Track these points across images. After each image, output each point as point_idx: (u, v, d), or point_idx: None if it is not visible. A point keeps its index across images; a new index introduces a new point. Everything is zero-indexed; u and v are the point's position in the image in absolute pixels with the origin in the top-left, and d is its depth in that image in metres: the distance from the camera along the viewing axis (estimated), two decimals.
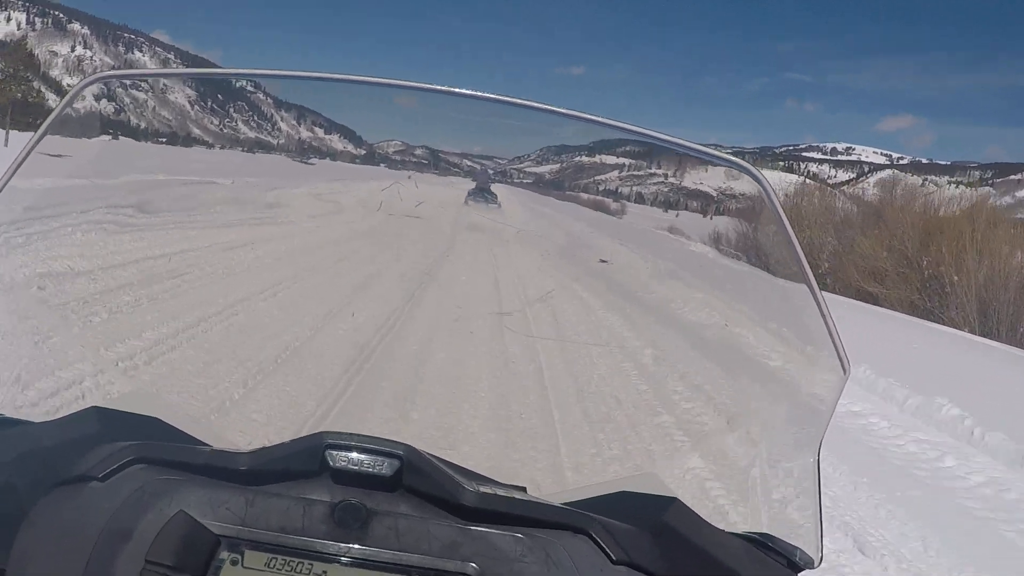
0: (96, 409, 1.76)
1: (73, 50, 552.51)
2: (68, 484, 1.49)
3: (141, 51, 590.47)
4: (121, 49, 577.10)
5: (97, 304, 4.70)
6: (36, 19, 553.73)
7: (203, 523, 1.43)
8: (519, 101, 1.94)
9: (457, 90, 1.92)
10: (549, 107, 1.92)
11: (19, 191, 1.88)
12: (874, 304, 37.16)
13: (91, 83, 1.95)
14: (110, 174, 3.54)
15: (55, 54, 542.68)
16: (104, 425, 1.72)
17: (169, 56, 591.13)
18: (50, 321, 2.72)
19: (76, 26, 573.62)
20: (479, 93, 1.92)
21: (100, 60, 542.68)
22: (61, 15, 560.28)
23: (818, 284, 1.84)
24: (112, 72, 2.00)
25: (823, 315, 1.82)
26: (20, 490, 1.51)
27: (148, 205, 5.27)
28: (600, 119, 1.91)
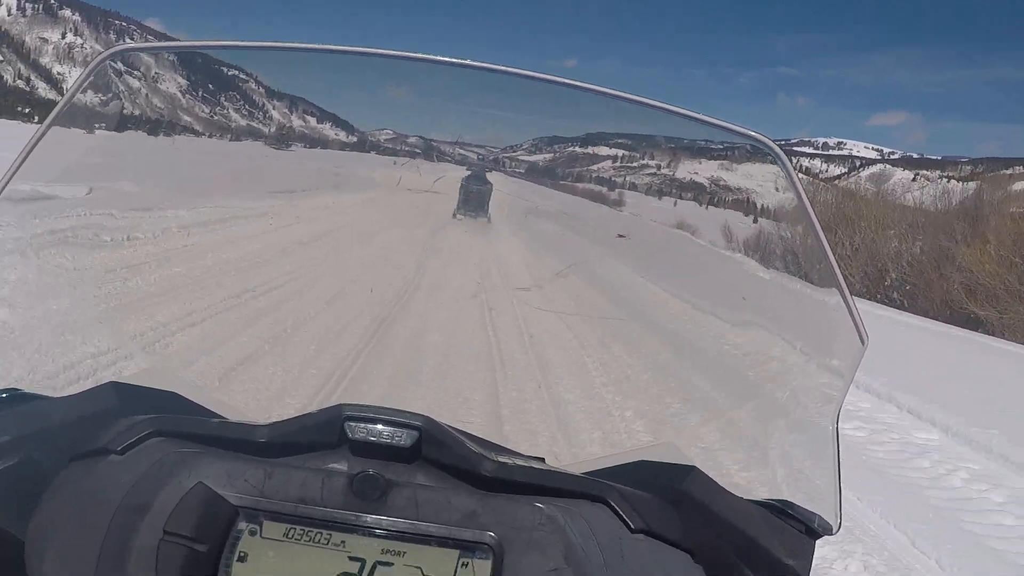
0: (114, 384, 1.77)
1: (64, 37, 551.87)
2: (87, 457, 1.50)
3: (132, 38, 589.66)
4: (112, 37, 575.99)
5: (116, 280, 4.70)
6: (27, 4, 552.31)
7: (221, 494, 1.44)
8: (514, 70, 1.92)
9: (456, 61, 1.91)
10: (547, 76, 1.91)
11: (36, 170, 1.88)
12: (981, 331, 29.95)
13: (108, 57, 1.95)
14: (129, 151, 3.55)
15: (45, 41, 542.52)
16: (122, 399, 1.73)
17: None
18: (68, 297, 2.73)
19: (67, 12, 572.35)
20: (474, 62, 1.91)
21: (91, 48, 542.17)
22: (52, 1, 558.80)
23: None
24: (127, 46, 1.99)
25: (840, 287, 1.81)
26: (39, 464, 1.52)
27: (166, 184, 5.27)
28: (599, 88, 1.90)
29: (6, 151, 1.99)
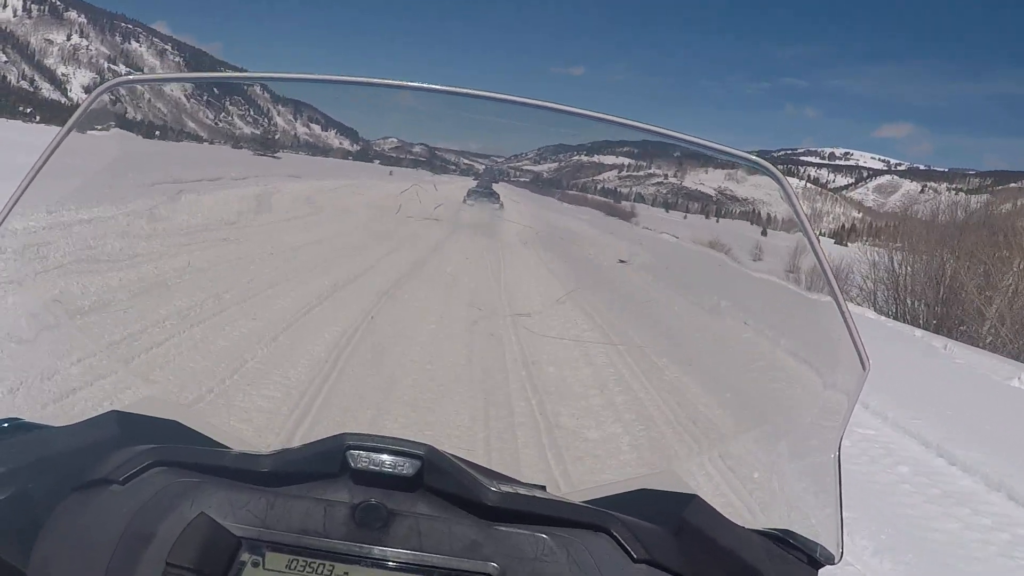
0: (115, 413, 1.76)
1: (69, 39, 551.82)
2: (88, 488, 1.49)
3: (138, 41, 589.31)
4: (118, 39, 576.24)
5: (115, 310, 4.71)
6: (32, 6, 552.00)
7: (224, 525, 1.43)
8: (523, 100, 1.93)
9: (457, 89, 1.91)
10: (554, 105, 1.91)
11: (36, 199, 1.89)
12: None
13: (107, 89, 1.95)
14: (124, 180, 3.55)
15: (51, 42, 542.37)
16: (123, 429, 1.72)
17: (166, 47, 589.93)
18: (68, 328, 2.73)
19: (73, 14, 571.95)
20: (479, 92, 1.91)
21: (96, 49, 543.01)
22: (58, 2, 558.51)
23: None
24: (127, 77, 2.00)
25: (842, 312, 1.81)
26: (40, 494, 1.51)
27: (163, 213, 5.28)
28: (608, 117, 1.90)
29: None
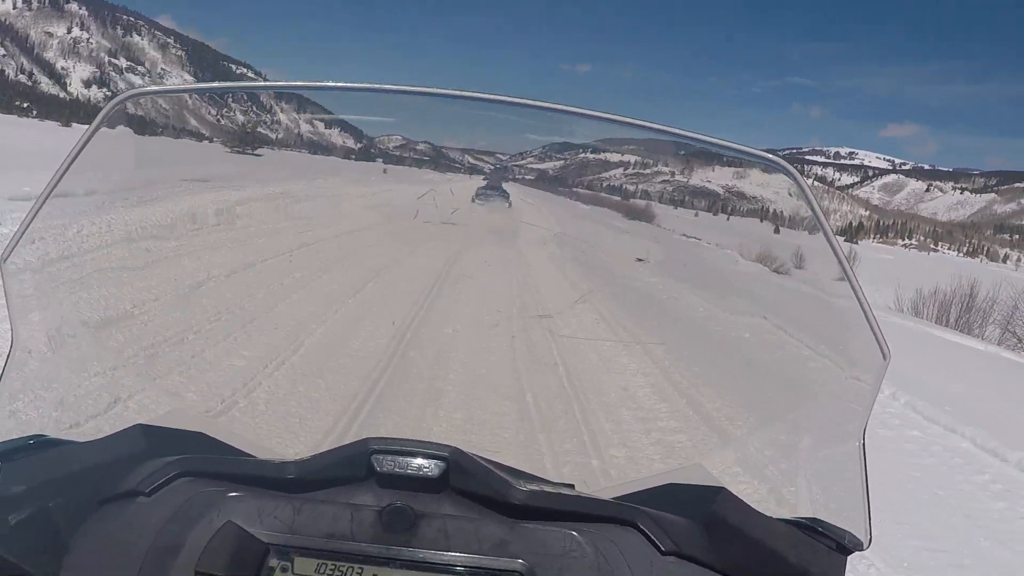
0: (140, 426, 1.77)
1: (69, 31, 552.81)
2: (115, 500, 1.50)
3: (140, 34, 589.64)
4: (119, 32, 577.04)
5: (137, 324, 4.73)
6: None
7: (251, 532, 1.44)
8: (530, 102, 1.93)
9: (463, 92, 1.91)
10: (563, 106, 1.91)
11: (55, 211, 1.90)
12: None
13: (121, 102, 1.96)
14: (141, 190, 3.57)
15: (51, 35, 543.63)
16: (149, 442, 1.73)
17: (168, 40, 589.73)
18: (90, 342, 2.74)
19: (73, 6, 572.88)
20: (485, 95, 1.91)
21: (97, 42, 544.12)
22: None
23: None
24: (141, 90, 2.00)
25: (860, 302, 1.81)
26: (68, 508, 1.52)
27: (181, 225, 5.31)
28: (618, 118, 1.90)
29: None
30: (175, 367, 4.85)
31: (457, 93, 1.93)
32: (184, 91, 2.73)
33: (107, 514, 1.48)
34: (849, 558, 1.65)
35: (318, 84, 1.95)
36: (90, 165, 1.92)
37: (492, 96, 1.92)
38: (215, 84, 2.10)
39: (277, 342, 5.65)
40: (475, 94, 1.91)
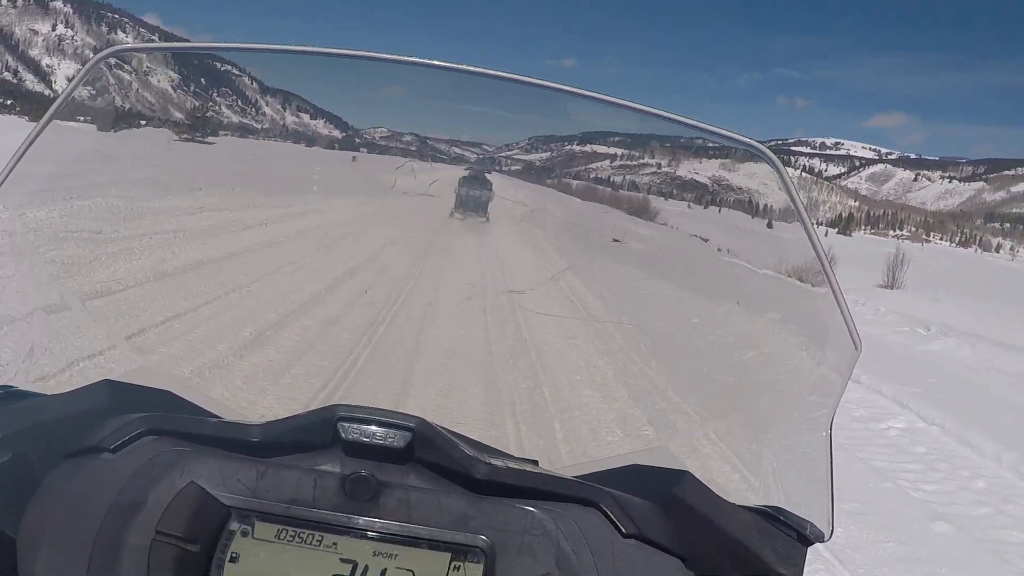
0: (107, 382, 1.77)
1: (54, 29, 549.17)
2: (79, 456, 1.50)
3: (124, 31, 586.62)
4: (104, 29, 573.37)
5: (109, 279, 4.69)
6: None
7: (214, 494, 1.44)
8: (513, 76, 1.92)
9: (453, 65, 1.91)
10: (546, 82, 1.91)
11: (32, 168, 1.88)
12: None
13: (105, 57, 1.95)
14: (121, 150, 3.54)
15: (35, 33, 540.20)
16: (115, 398, 1.73)
17: (153, 37, 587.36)
18: (62, 296, 2.72)
19: (58, 3, 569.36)
20: (473, 68, 1.91)
21: (82, 40, 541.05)
22: None
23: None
24: (125, 46, 1.99)
25: (834, 292, 1.82)
26: (31, 461, 1.52)
27: (159, 184, 5.26)
28: (602, 96, 1.90)
29: None
30: (147, 326, 4.83)
31: (445, 65, 1.92)
32: (166, 49, 2.70)
33: (70, 469, 1.48)
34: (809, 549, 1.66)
35: (306, 49, 1.94)
36: (64, 133, 1.91)
37: (478, 69, 1.92)
38: (197, 44, 2.09)
39: (250, 306, 5.62)
40: (461, 66, 1.91)
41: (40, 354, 2.22)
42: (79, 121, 2.16)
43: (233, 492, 1.44)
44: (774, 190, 1.89)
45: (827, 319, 1.82)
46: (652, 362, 5.25)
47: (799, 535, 1.65)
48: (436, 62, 1.89)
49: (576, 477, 1.60)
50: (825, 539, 1.66)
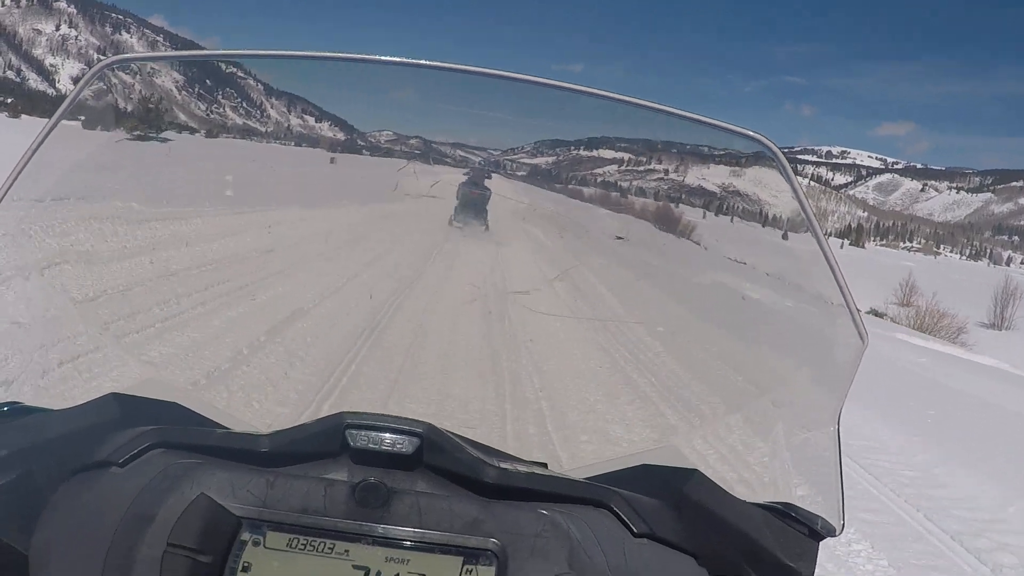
0: (114, 396, 1.76)
1: (58, 28, 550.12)
2: (88, 470, 1.49)
3: (129, 32, 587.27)
4: (108, 30, 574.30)
5: (113, 292, 4.70)
6: None
7: (224, 505, 1.44)
8: (515, 75, 1.92)
9: (459, 66, 1.91)
10: (551, 81, 1.91)
11: (32, 180, 1.88)
12: None
13: (106, 66, 1.94)
14: (122, 162, 3.54)
15: (39, 32, 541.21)
16: (123, 411, 1.72)
17: (158, 38, 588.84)
18: (66, 310, 2.72)
19: (62, 3, 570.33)
20: (478, 69, 1.90)
21: (86, 40, 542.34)
22: None
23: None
24: (126, 55, 1.98)
25: (840, 287, 1.81)
26: (41, 477, 1.52)
27: (159, 194, 5.25)
28: (599, 92, 1.89)
29: None
30: (152, 338, 4.83)
31: (451, 66, 1.92)
32: (168, 59, 2.70)
33: (80, 484, 1.48)
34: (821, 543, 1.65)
35: (312, 55, 1.94)
36: (68, 140, 1.90)
37: (481, 69, 1.92)
38: (200, 52, 2.09)
39: (254, 315, 5.62)
40: (470, 68, 1.91)
41: (47, 370, 2.22)
42: (84, 126, 2.16)
43: (243, 502, 1.44)
44: (779, 190, 1.88)
45: (833, 313, 1.82)
46: (659, 361, 5.24)
47: (810, 530, 1.64)
48: (441, 64, 1.89)
49: (585, 478, 1.59)
50: (836, 533, 1.65)
